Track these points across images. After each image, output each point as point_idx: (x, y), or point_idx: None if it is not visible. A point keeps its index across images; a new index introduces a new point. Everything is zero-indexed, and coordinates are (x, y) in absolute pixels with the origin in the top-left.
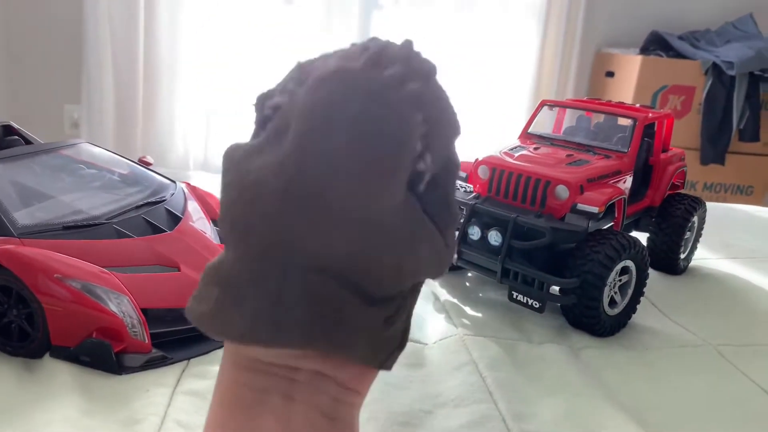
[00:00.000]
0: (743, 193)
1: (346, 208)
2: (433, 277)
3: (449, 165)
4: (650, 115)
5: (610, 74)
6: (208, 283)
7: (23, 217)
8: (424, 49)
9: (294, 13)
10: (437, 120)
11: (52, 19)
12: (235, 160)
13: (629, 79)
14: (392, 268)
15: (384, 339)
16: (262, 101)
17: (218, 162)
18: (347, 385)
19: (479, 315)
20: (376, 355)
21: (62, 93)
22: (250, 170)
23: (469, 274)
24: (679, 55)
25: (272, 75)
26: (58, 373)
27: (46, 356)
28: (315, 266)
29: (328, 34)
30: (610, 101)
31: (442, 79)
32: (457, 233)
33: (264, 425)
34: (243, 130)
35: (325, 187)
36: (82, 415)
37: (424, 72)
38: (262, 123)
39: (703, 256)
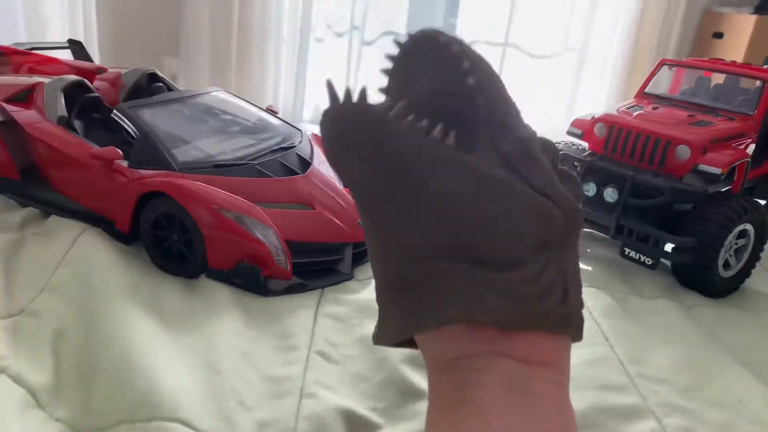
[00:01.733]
0: None
1: (397, 196)
2: (552, 234)
3: (505, 121)
4: None
5: (719, 35)
6: (380, 314)
7: (180, 154)
8: (510, 11)
9: None
10: (483, 71)
11: None
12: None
13: (740, 41)
14: (485, 230)
15: (528, 298)
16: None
17: (307, 114)
18: (527, 359)
19: (589, 268)
20: (525, 315)
21: (162, 45)
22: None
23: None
24: None
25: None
26: (216, 291)
27: (202, 277)
28: (432, 256)
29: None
30: (734, 62)
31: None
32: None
33: (468, 416)
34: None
35: (369, 190)
36: (244, 327)
37: (458, 39)
38: None
39: None
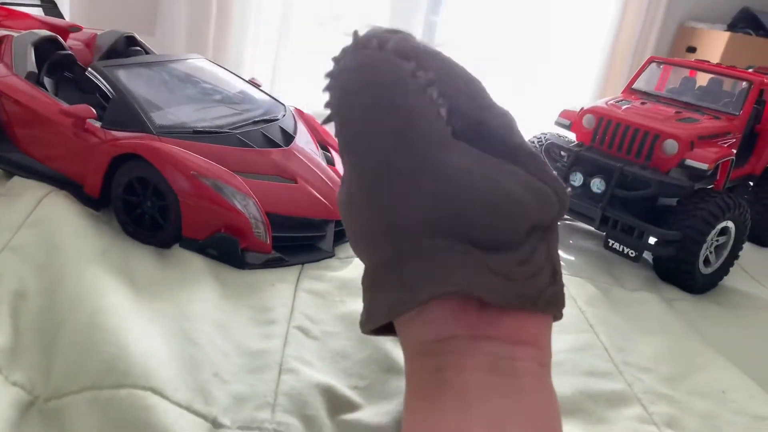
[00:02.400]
0: None
1: (402, 168)
2: (549, 217)
3: (489, 108)
4: (765, 80)
5: (692, 49)
6: (367, 296)
7: (158, 117)
8: (496, 9)
9: None
10: (440, 68)
11: None
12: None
13: (712, 56)
14: (484, 208)
15: (521, 278)
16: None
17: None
18: (510, 339)
19: (572, 258)
20: (517, 295)
21: (137, 24)
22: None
23: (559, 223)
24: None
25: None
26: (190, 261)
27: (175, 246)
28: (424, 233)
29: None
30: (720, 64)
31: (514, 36)
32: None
33: (446, 400)
34: (308, 73)
35: (377, 161)
36: (220, 297)
37: (391, 30)
38: None
39: None
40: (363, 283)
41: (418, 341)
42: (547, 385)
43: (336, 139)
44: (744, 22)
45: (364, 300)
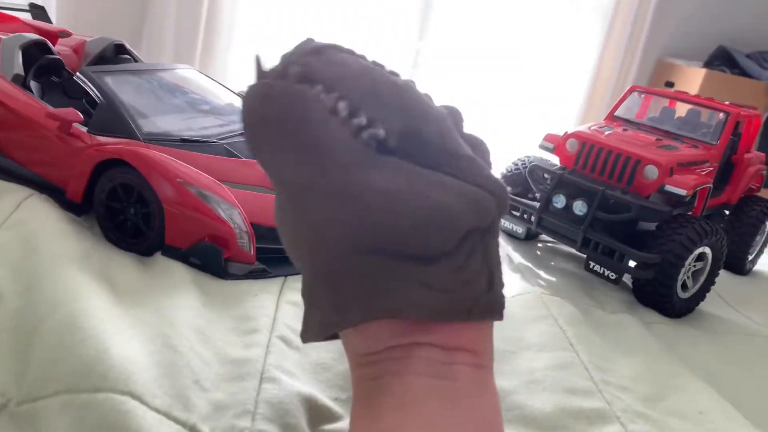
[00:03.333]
0: None
1: (324, 193)
2: (482, 221)
3: (422, 116)
4: (742, 112)
5: (670, 84)
6: (305, 309)
7: (145, 124)
8: (482, 37)
9: None
10: (359, 85)
11: None
12: None
13: (689, 91)
14: (414, 225)
15: (459, 290)
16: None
17: None
18: (449, 345)
19: (553, 279)
20: (453, 305)
21: (123, 33)
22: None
23: (539, 245)
24: (745, 73)
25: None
26: (173, 269)
27: (157, 254)
28: (344, 250)
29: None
30: (698, 96)
31: (496, 68)
32: (538, 198)
33: (384, 404)
34: None
35: (297, 189)
36: (202, 306)
37: (308, 51)
38: None
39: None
40: (302, 296)
41: (358, 353)
42: (487, 387)
43: None
44: (720, 60)
45: (304, 311)
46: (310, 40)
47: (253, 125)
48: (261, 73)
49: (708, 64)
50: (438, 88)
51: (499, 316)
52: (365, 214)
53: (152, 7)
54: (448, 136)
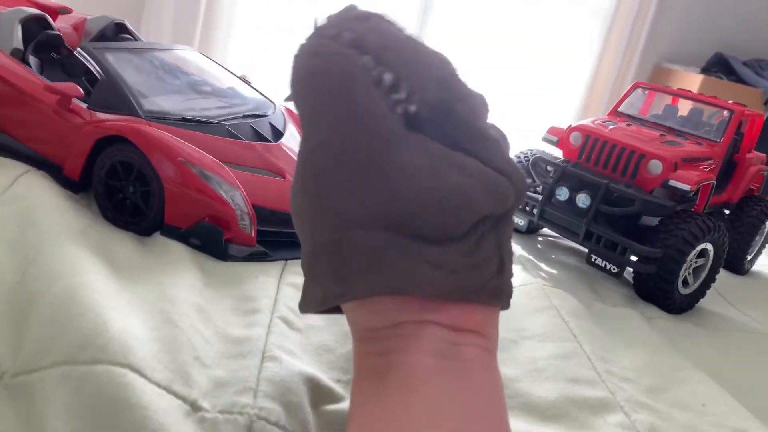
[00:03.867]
0: None
1: (349, 161)
2: (498, 208)
3: (457, 92)
4: (746, 111)
5: None
6: (305, 281)
7: (147, 103)
8: (480, 36)
9: None
10: (405, 58)
11: None
12: None
13: None
14: (429, 205)
15: (466, 270)
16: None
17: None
18: (456, 326)
19: (555, 272)
20: (461, 287)
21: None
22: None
23: (540, 238)
24: (741, 80)
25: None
26: (172, 248)
27: (156, 234)
28: (359, 222)
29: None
30: (702, 93)
31: (495, 67)
32: (541, 191)
33: (390, 381)
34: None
35: (325, 150)
36: (203, 285)
37: (355, 17)
38: None
39: (766, 263)
40: (302, 267)
41: (363, 327)
42: (492, 370)
43: None
44: (717, 66)
45: (304, 281)
46: (353, 7)
47: (300, 77)
48: (316, 31)
49: (705, 71)
50: None
51: (507, 304)
52: (383, 187)
53: (147, 22)
54: (478, 115)
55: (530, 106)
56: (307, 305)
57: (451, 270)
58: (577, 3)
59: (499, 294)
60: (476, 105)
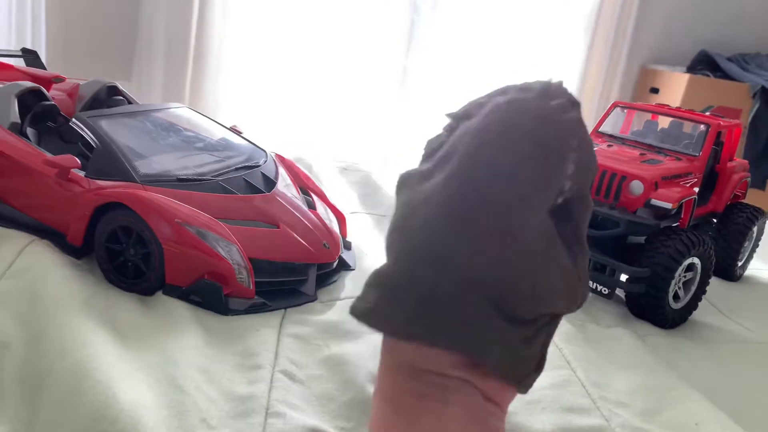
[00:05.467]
0: None
1: (497, 217)
2: (567, 311)
3: (585, 198)
4: (722, 123)
5: (655, 90)
6: (370, 285)
7: (142, 166)
8: (466, 49)
9: (340, 12)
10: (584, 149)
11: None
12: (409, 183)
13: (674, 96)
14: (527, 286)
15: (521, 357)
16: (429, 143)
17: (262, 145)
18: (490, 396)
19: None
20: (513, 371)
21: (114, 69)
22: (420, 190)
23: None
24: (727, 76)
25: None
26: (174, 308)
27: (158, 294)
28: (465, 277)
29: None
30: (680, 108)
31: (478, 82)
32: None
33: (424, 425)
34: (285, 118)
35: (485, 192)
36: (205, 344)
37: (578, 105)
38: (429, 154)
39: (758, 267)
40: (376, 275)
41: (409, 364)
42: None
43: (317, 185)
44: (702, 65)
45: (366, 291)
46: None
47: (505, 124)
48: (547, 91)
49: (691, 69)
50: (425, 103)
51: (527, 392)
52: (504, 255)
53: (140, 47)
54: (586, 220)
55: None
56: (364, 315)
57: (512, 352)
58: (559, 11)
59: (529, 387)
60: (589, 211)
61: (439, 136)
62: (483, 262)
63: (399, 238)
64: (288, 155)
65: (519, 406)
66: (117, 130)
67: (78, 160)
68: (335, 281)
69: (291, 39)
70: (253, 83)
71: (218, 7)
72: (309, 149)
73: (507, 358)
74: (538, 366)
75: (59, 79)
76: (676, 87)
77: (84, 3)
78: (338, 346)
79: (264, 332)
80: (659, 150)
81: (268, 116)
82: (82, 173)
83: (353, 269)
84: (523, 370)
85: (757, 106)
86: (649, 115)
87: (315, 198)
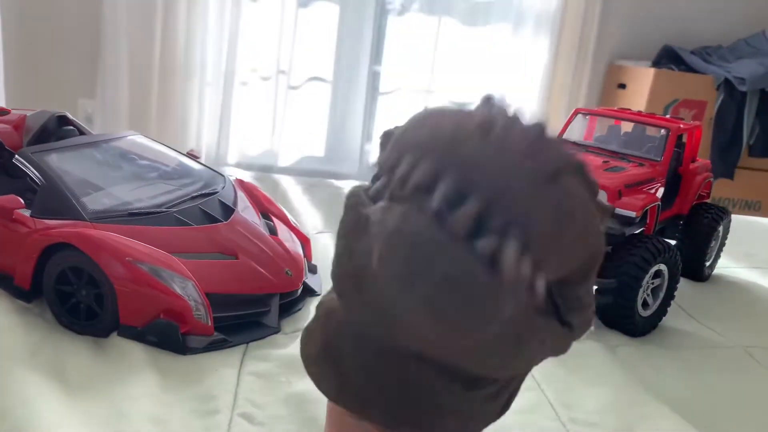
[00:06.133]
0: (751, 208)
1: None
2: (556, 355)
3: (595, 255)
4: (682, 126)
5: (622, 86)
6: (317, 328)
7: (91, 202)
8: (432, 60)
9: (308, 16)
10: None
11: (70, 14)
12: (363, 201)
13: (641, 91)
14: (494, 366)
15: (481, 414)
16: (386, 137)
17: (233, 157)
18: None
19: None
20: (467, 429)
21: (77, 87)
22: (378, 233)
23: None
24: (691, 69)
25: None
26: (129, 351)
27: (113, 335)
28: (415, 353)
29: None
30: (641, 111)
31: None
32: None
33: None
34: (255, 124)
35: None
36: (160, 391)
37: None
38: (388, 169)
39: (726, 265)
40: (323, 314)
41: (347, 420)
42: None
43: (279, 208)
44: (666, 58)
45: (314, 327)
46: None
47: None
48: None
49: (656, 64)
50: (397, 110)
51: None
52: (455, 337)
53: (104, 72)
54: (587, 284)
55: None
56: (314, 378)
57: (469, 414)
58: (523, 15)
59: (486, 426)
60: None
61: (387, 152)
62: (440, 350)
63: (348, 283)
64: (255, 170)
65: None
66: (64, 164)
67: (21, 200)
68: (300, 309)
69: (259, 48)
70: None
71: (182, 15)
72: (278, 158)
73: (463, 422)
74: (507, 405)
75: (4, 112)
76: (642, 82)
77: (42, 25)
78: (301, 381)
79: (223, 372)
80: (623, 156)
81: (234, 136)
82: (28, 213)
83: (319, 294)
84: (483, 422)
85: (721, 97)
86: (612, 120)
87: (277, 222)
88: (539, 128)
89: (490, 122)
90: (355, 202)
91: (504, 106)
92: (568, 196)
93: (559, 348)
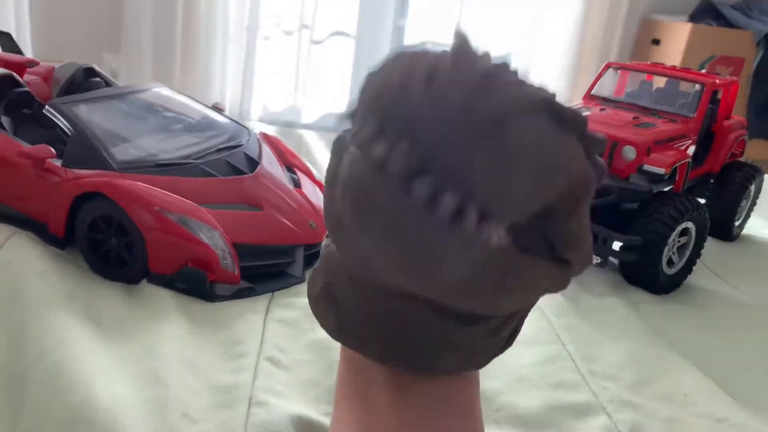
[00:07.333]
0: None
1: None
2: (556, 290)
3: (574, 189)
4: (717, 81)
5: (656, 42)
6: (319, 270)
7: (119, 153)
8: (459, 13)
9: None
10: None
11: None
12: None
13: (676, 47)
14: (481, 307)
15: (483, 348)
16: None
17: (256, 112)
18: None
19: None
20: (470, 362)
21: (101, 41)
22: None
23: None
24: (730, 25)
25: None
26: (159, 297)
27: (143, 282)
28: (404, 292)
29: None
30: (674, 66)
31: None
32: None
33: (379, 409)
34: (279, 79)
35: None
36: (188, 334)
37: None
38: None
39: (756, 225)
40: (323, 261)
41: (353, 358)
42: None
43: (303, 162)
44: (705, 13)
45: (317, 274)
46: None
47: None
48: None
49: (693, 18)
50: None
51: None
52: (444, 286)
53: (127, 27)
54: (580, 213)
55: (522, 70)
56: (315, 315)
57: (468, 348)
58: None
59: (493, 358)
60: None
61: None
62: (424, 293)
63: (338, 233)
64: (279, 126)
65: (506, 385)
66: (93, 115)
67: (52, 150)
68: None
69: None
70: (245, 48)
71: None
72: (301, 114)
73: (465, 358)
74: (506, 346)
75: (33, 63)
76: (678, 37)
77: None
78: None
79: (250, 318)
80: (654, 112)
81: (258, 90)
82: (59, 162)
83: None
84: (486, 356)
85: (761, 53)
86: (644, 75)
87: (301, 176)
88: (487, 70)
89: (435, 67)
90: (338, 148)
91: (466, 44)
92: (516, 139)
93: (558, 284)
